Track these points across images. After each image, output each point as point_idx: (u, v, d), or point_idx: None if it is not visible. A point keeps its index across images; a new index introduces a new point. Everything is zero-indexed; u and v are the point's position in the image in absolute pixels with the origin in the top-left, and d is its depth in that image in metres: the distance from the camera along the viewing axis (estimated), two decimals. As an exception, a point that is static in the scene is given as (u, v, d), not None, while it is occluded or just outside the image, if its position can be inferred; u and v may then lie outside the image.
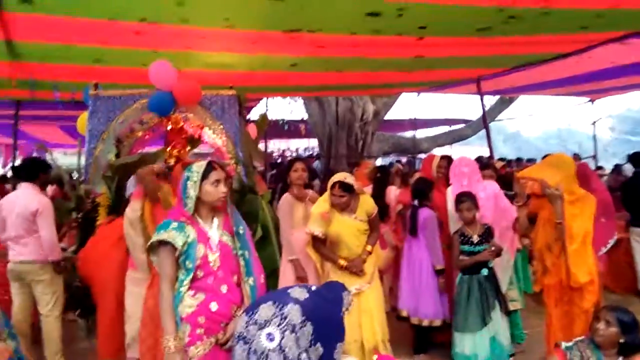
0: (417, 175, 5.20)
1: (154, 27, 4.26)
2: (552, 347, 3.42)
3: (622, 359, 2.60)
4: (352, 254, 3.75)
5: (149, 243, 2.44)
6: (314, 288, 2.13)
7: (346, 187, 3.66)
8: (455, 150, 14.75)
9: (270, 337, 1.75)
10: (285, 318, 1.77)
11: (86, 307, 4.62)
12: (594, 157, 11.66)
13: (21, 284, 4.03)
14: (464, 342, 3.80)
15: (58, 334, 4.08)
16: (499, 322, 3.80)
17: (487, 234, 3.89)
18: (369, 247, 3.78)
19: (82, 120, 5.43)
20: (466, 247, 3.87)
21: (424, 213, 4.24)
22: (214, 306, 2.39)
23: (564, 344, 2.71)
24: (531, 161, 11.91)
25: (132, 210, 3.91)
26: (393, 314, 4.54)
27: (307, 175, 4.20)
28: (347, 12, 4.10)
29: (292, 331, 1.75)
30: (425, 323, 4.18)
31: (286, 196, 4.10)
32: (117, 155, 5.22)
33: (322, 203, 3.79)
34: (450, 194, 4.27)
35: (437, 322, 4.19)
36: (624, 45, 5.61)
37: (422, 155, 11.93)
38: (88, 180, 5.06)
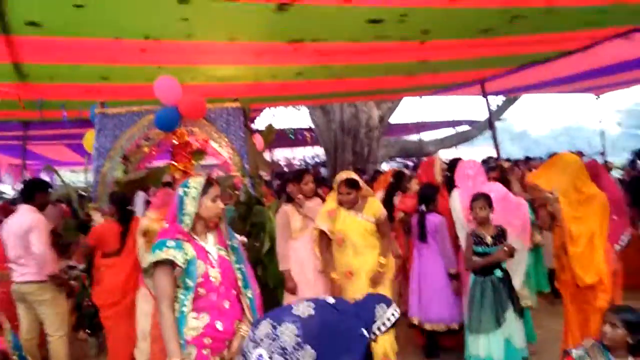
0: (414, 180, 5.08)
1: (159, 43, 4.29)
2: (568, 343, 3.41)
3: (632, 359, 2.56)
4: (357, 254, 3.76)
5: (145, 265, 2.37)
6: (331, 301, 1.95)
7: (352, 184, 3.73)
8: (461, 152, 14.69)
9: (260, 358, 1.63)
10: (276, 339, 1.64)
11: (96, 325, 4.63)
12: (602, 153, 11.55)
13: (26, 305, 4.05)
14: (479, 344, 3.76)
15: (64, 353, 4.08)
16: (513, 323, 3.75)
17: (501, 235, 3.85)
18: (382, 260, 3.79)
19: (89, 138, 5.47)
20: (480, 249, 3.82)
21: (434, 218, 4.21)
22: (219, 325, 2.36)
23: (574, 352, 2.67)
24: (532, 160, 11.79)
25: (149, 219, 3.95)
26: (403, 321, 4.50)
27: (314, 186, 4.21)
28: (349, 20, 4.09)
29: (282, 355, 1.62)
30: (442, 328, 4.13)
31: (283, 207, 4.13)
32: (125, 172, 5.25)
33: (330, 202, 3.87)
34: (456, 197, 4.24)
35: (455, 326, 4.14)
36: (628, 40, 5.56)
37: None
38: (96, 199, 5.09)
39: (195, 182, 2.46)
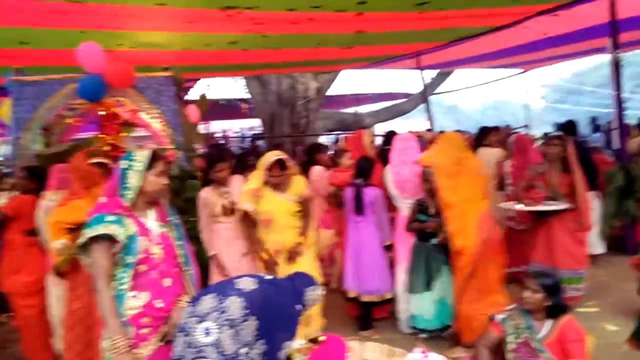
0: (346, 155, 4.99)
1: (82, 6, 4.00)
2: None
3: (550, 321, 2.75)
4: (282, 236, 3.71)
5: (79, 241, 2.25)
6: (268, 277, 2.03)
7: (284, 165, 3.65)
8: (397, 125, 14.97)
9: (207, 331, 1.65)
10: (224, 312, 1.67)
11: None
12: (527, 126, 12.18)
13: None
14: (411, 302, 4.07)
15: None
16: (448, 288, 3.95)
17: None
18: (299, 239, 3.76)
19: (5, 108, 5.09)
20: (422, 216, 4.04)
21: (371, 191, 4.27)
22: (158, 303, 2.30)
23: (498, 316, 2.84)
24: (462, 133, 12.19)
25: (49, 200, 3.72)
26: (339, 294, 4.58)
27: (230, 170, 4.03)
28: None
29: (231, 326, 1.66)
30: (376, 299, 4.25)
31: (201, 194, 3.92)
32: (47, 145, 4.94)
33: (254, 180, 3.72)
34: (388, 172, 4.33)
35: (388, 295, 4.28)
36: (554, 16, 5.81)
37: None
38: (15, 173, 4.76)
39: (141, 155, 2.36)
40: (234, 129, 18.72)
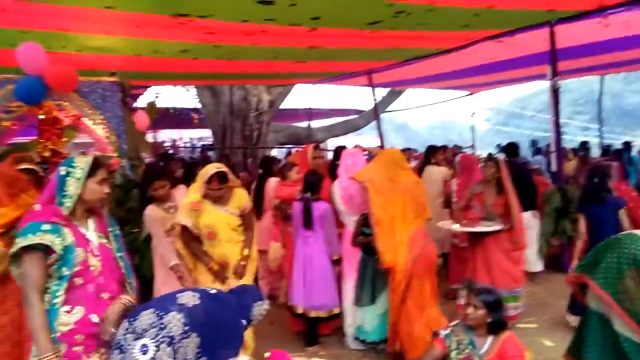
0: (295, 169, 5.04)
1: (22, 5, 3.80)
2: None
3: (491, 337, 2.80)
4: (226, 251, 3.60)
5: (11, 251, 2.12)
6: (213, 292, 1.97)
7: (225, 178, 3.54)
8: (349, 141, 15.14)
9: (144, 349, 1.60)
10: (163, 329, 1.63)
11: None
12: (472, 146, 12.60)
13: None
14: (357, 315, 4.13)
15: None
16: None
17: None
18: (245, 252, 3.68)
19: None
20: (367, 230, 4.07)
21: (321, 205, 4.27)
22: (94, 318, 2.19)
23: (442, 332, 2.88)
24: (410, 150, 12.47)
25: None
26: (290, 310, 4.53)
27: (169, 185, 3.94)
28: (238, -2, 3.96)
29: (170, 344, 1.61)
30: (324, 314, 4.22)
31: (146, 214, 3.78)
32: (-21, 148, 4.65)
33: (193, 193, 3.59)
34: (336, 187, 4.34)
35: (337, 311, 4.26)
36: (498, 43, 6.06)
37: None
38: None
39: (82, 162, 2.26)
40: (184, 138, 18.38)
